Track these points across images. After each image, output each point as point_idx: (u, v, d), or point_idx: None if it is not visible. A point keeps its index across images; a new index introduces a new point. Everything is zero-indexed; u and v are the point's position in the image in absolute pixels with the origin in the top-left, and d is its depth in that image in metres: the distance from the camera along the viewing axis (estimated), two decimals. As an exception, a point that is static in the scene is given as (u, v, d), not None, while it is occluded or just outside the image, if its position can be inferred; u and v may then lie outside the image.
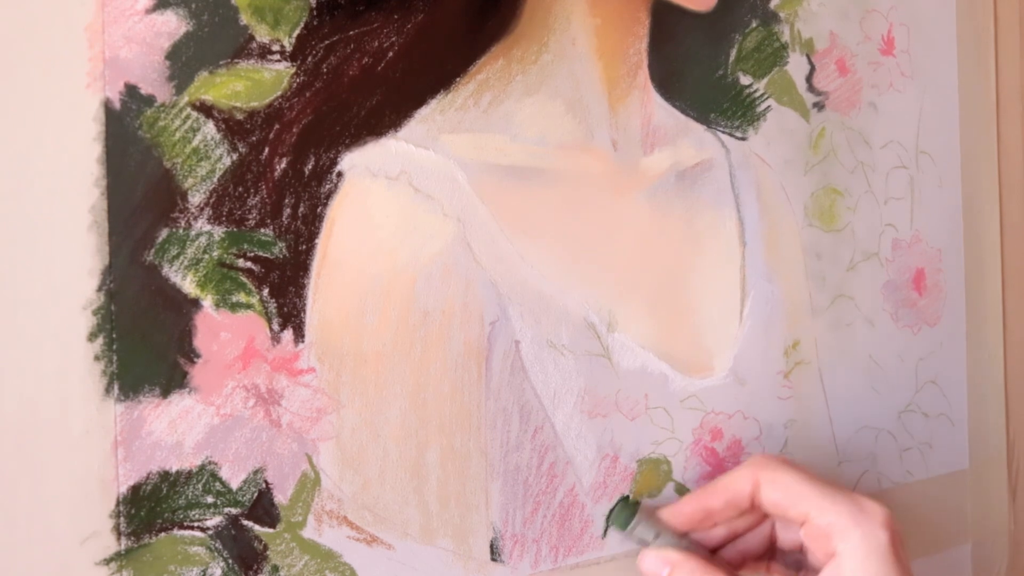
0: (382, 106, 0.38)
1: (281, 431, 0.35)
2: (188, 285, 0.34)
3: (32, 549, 0.31)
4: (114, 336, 0.32)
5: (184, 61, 0.34)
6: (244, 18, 0.35)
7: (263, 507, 0.35)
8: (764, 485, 0.41)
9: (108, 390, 0.32)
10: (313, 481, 0.36)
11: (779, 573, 0.45)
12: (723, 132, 0.48)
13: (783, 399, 0.50)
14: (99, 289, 0.32)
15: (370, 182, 0.38)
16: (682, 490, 0.46)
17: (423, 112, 0.39)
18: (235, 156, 0.35)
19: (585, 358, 0.43)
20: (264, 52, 0.35)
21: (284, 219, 0.36)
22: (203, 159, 0.34)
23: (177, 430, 0.33)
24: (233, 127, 0.35)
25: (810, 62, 0.52)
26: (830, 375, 0.52)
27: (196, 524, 0.34)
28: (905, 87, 0.56)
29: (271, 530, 0.35)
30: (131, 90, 0.33)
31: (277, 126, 0.35)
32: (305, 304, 0.36)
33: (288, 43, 0.36)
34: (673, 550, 0.42)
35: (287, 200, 0.36)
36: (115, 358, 0.32)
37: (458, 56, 0.40)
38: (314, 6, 0.36)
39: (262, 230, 0.35)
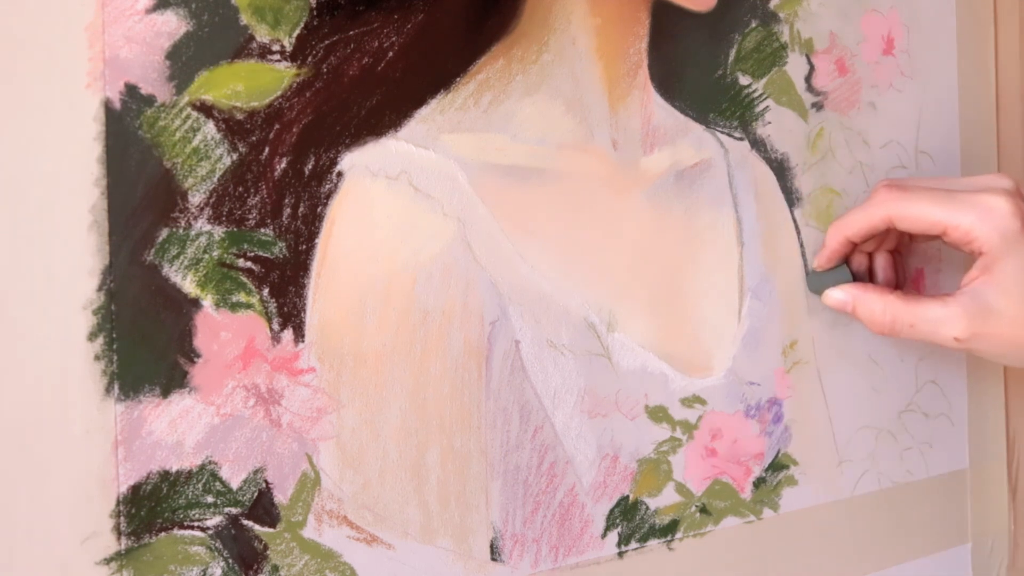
0: (382, 106, 0.38)
1: (281, 431, 0.35)
2: (188, 285, 0.34)
3: (32, 549, 0.31)
4: (114, 336, 0.32)
5: (184, 61, 0.34)
6: (244, 18, 0.35)
7: (263, 507, 0.35)
8: (897, 221, 0.47)
9: (108, 390, 0.32)
10: (313, 481, 0.36)
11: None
12: (722, 132, 0.48)
13: (783, 398, 0.50)
14: (99, 289, 0.32)
15: (370, 182, 0.38)
16: (682, 489, 0.46)
17: (423, 112, 0.39)
18: (235, 156, 0.35)
19: (585, 358, 0.43)
20: (264, 52, 0.35)
21: (284, 219, 0.36)
22: (203, 159, 0.34)
23: (177, 430, 0.33)
24: (233, 127, 0.35)
25: (809, 62, 0.52)
26: (829, 375, 0.52)
27: (196, 524, 0.34)
28: (905, 87, 0.56)
29: (271, 530, 0.35)
30: (131, 90, 0.33)
31: (277, 126, 0.35)
32: (305, 304, 0.36)
33: (288, 43, 0.36)
34: (852, 284, 0.48)
35: (287, 200, 0.36)
36: (115, 358, 0.32)
37: (458, 56, 0.40)
38: (314, 6, 0.36)
39: (262, 230, 0.35)
